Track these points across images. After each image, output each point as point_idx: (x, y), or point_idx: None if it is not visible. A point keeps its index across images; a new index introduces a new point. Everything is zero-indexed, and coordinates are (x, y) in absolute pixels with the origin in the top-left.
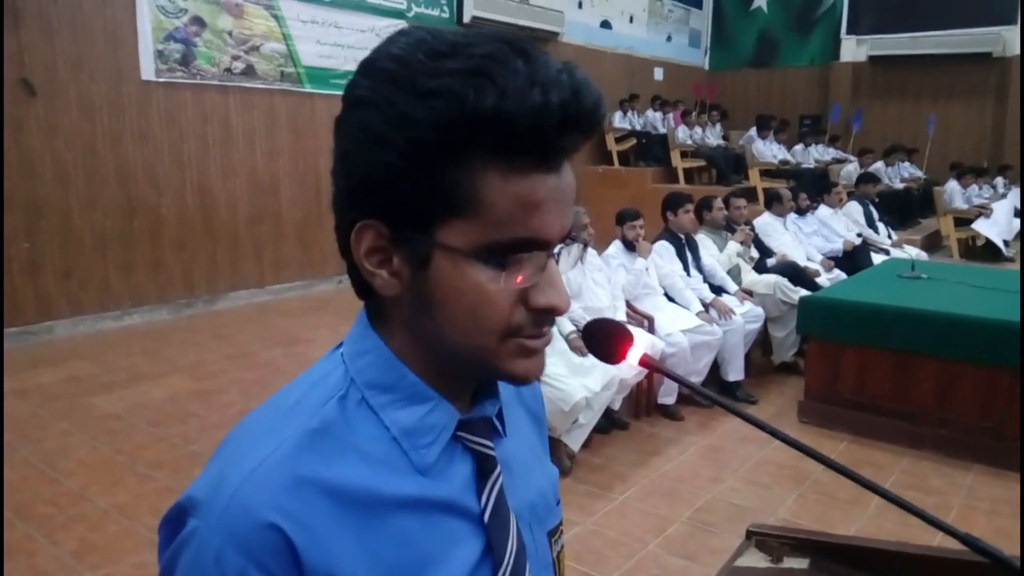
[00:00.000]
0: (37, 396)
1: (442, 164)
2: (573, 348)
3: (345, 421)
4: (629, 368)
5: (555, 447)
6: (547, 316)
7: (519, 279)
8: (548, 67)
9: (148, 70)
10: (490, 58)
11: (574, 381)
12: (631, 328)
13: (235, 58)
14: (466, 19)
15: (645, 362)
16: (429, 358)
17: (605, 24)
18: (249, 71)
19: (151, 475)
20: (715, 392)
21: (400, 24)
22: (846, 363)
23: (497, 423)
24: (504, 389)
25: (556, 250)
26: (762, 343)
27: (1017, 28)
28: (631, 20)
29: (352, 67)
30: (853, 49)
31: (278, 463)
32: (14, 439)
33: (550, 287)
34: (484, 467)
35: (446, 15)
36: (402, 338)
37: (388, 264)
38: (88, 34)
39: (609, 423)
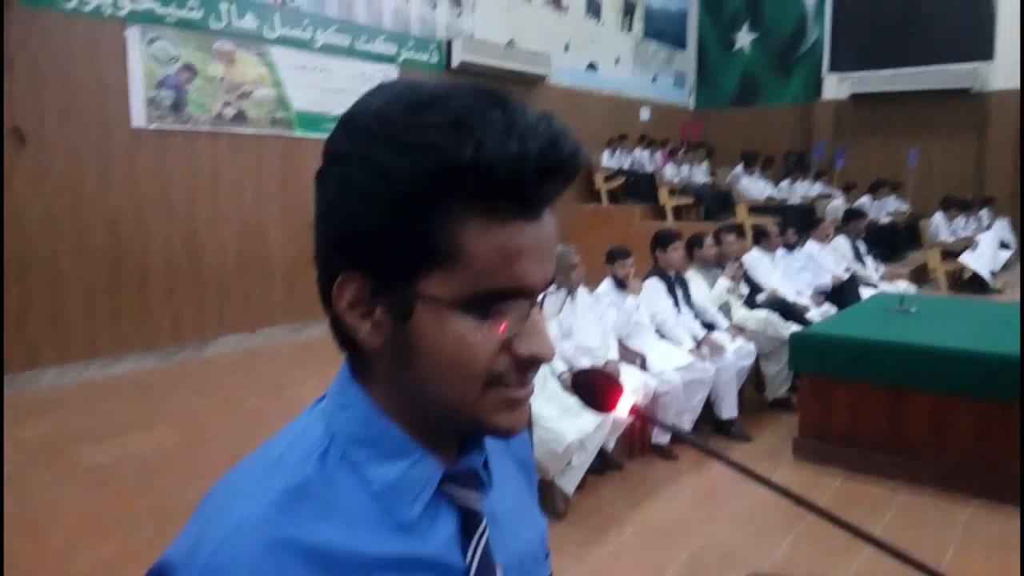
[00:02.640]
0: (22, 447)
1: (423, 216)
2: (566, 388)
3: (324, 479)
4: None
5: (549, 490)
6: (531, 365)
7: (502, 328)
8: (526, 117)
9: (139, 117)
10: (467, 110)
11: (566, 422)
12: (623, 367)
13: (226, 104)
14: (454, 64)
15: (635, 412)
16: (412, 411)
17: (591, 66)
18: (240, 117)
19: (138, 528)
20: (709, 430)
21: (390, 69)
22: (838, 399)
23: (483, 473)
24: (491, 438)
25: (540, 297)
26: (755, 379)
27: (993, 64)
28: (617, 62)
29: (343, 111)
30: (835, 86)
31: (255, 525)
32: None
33: (534, 336)
34: (469, 522)
35: (435, 60)
36: (385, 391)
37: (370, 316)
38: (77, 82)
39: (603, 464)
